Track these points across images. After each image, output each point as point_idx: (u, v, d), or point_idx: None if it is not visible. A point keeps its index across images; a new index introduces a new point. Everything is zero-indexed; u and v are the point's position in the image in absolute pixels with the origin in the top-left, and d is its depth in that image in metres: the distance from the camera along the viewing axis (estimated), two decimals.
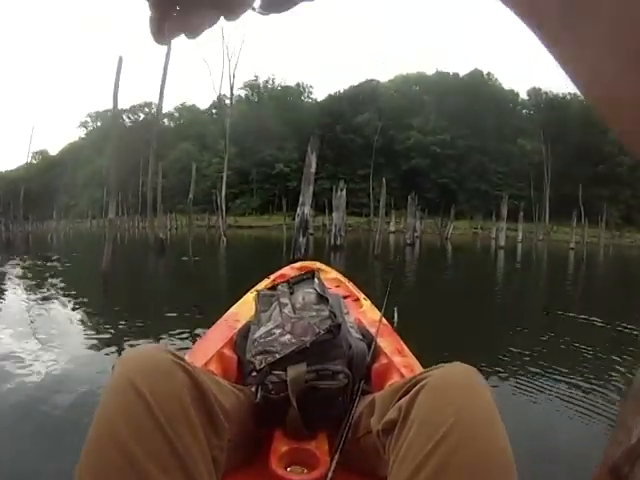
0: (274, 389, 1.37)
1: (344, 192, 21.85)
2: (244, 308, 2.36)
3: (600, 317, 6.82)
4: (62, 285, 7.86)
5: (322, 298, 1.63)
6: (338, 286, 3.05)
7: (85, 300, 6.84)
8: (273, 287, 1.86)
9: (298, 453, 1.33)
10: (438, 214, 48.73)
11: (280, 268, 3.32)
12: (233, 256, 18.18)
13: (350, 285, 3.11)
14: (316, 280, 1.80)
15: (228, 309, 2.48)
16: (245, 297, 2.67)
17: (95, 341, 4.56)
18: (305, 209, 12.68)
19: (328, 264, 3.77)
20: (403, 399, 1.03)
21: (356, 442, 1.27)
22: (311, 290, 1.72)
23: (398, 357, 1.85)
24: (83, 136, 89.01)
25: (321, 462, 1.28)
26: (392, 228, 40.00)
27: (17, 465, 2.37)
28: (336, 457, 1.20)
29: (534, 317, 7.60)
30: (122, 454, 0.84)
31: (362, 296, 2.84)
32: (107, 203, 9.90)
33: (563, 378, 4.11)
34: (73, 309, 6.16)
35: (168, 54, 20.82)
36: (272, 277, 3.00)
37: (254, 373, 1.43)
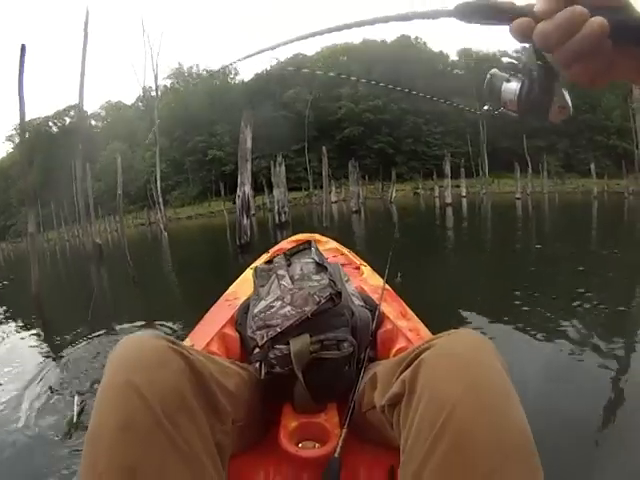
0: (278, 363, 1.36)
1: (283, 167, 21.67)
2: (243, 286, 2.32)
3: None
4: None
5: (321, 267, 1.61)
6: (337, 255, 3.04)
7: (19, 330, 6.05)
8: (270, 261, 1.81)
9: (308, 428, 1.33)
10: (377, 179, 49.27)
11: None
12: (176, 251, 17.59)
13: (349, 253, 3.11)
14: (313, 249, 1.77)
15: (226, 289, 2.42)
16: (243, 275, 2.64)
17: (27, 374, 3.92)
18: (245, 188, 12.04)
19: (324, 234, 3.73)
20: (406, 372, 0.98)
21: (363, 416, 1.25)
22: (309, 260, 1.68)
23: (403, 321, 1.85)
24: (11, 150, 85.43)
25: (332, 435, 1.27)
26: (334, 198, 40.20)
27: None
28: (344, 431, 1.22)
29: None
30: (120, 455, 0.81)
31: (362, 263, 2.83)
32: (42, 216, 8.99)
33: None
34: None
35: (84, 50, 19.90)
36: (270, 252, 2.98)
37: (257, 350, 1.41)
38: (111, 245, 20.95)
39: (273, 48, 0.69)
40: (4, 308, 7.89)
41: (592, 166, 33.33)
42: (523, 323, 4.21)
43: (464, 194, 33.57)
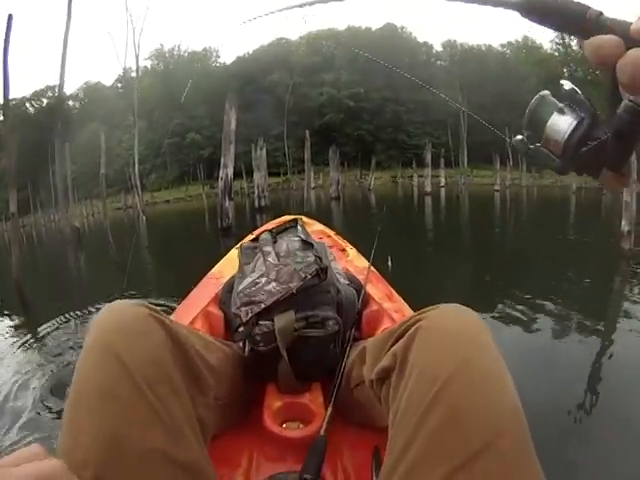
0: (262, 340, 1.35)
1: (264, 151, 21.62)
2: (228, 264, 2.33)
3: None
4: None
5: (307, 244, 1.61)
6: (323, 237, 3.03)
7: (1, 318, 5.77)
8: (256, 239, 1.82)
9: (292, 408, 1.33)
10: (356, 166, 49.17)
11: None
12: (156, 235, 17.35)
13: (335, 236, 3.16)
14: (299, 228, 1.78)
15: (211, 268, 2.42)
16: (228, 254, 2.64)
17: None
18: (228, 171, 11.93)
19: (310, 217, 3.75)
20: (397, 345, 0.98)
21: (350, 393, 1.25)
22: (295, 238, 1.67)
23: (388, 303, 1.86)
24: None
25: (316, 415, 1.28)
26: (312, 184, 39.93)
27: None
28: (329, 410, 1.22)
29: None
30: (102, 423, 0.80)
31: (348, 246, 2.88)
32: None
33: None
34: None
35: (67, 27, 19.43)
36: (255, 233, 2.88)
37: (241, 328, 1.39)
38: (88, 229, 20.59)
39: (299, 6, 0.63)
40: None
41: None
42: (503, 306, 4.39)
43: (443, 184, 33.68)
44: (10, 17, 7.23)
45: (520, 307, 4.38)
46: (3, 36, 7.22)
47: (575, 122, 0.53)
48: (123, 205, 41.00)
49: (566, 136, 0.54)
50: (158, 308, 1.02)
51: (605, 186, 0.55)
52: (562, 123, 0.54)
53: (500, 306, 4.40)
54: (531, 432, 0.80)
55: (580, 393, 2.70)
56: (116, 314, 0.95)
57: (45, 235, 27.59)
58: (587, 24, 0.44)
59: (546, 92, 0.58)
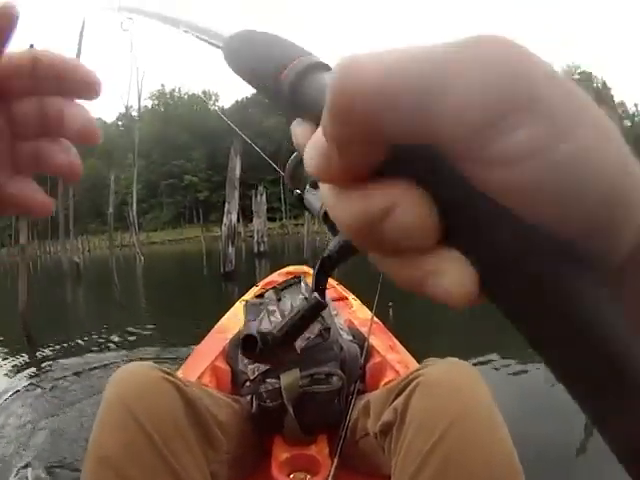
0: (269, 397, 1.37)
1: (264, 197, 21.66)
2: (233, 319, 2.36)
3: None
4: None
5: None
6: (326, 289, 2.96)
7: (5, 353, 5.45)
8: (261, 295, 1.82)
9: (299, 459, 1.34)
10: None
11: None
12: (155, 275, 17.24)
13: (338, 286, 3.11)
14: (303, 285, 1.77)
15: (216, 319, 2.47)
16: (234, 308, 2.65)
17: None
18: (232, 217, 11.94)
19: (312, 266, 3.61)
20: (397, 400, 1.03)
21: (355, 444, 1.27)
22: (299, 296, 1.69)
23: (391, 354, 1.86)
24: None
25: (323, 466, 1.29)
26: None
27: None
28: (336, 460, 1.22)
29: None
30: (119, 478, 0.86)
31: (351, 296, 2.86)
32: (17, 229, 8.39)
33: None
34: None
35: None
36: (260, 285, 2.97)
37: (248, 383, 1.43)
38: (84, 265, 20.37)
39: None
40: None
41: None
42: (499, 349, 4.38)
43: None
44: (31, 47, 7.37)
45: (516, 350, 4.42)
46: None
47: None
48: (119, 243, 40.94)
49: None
50: (168, 369, 1.09)
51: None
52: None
53: (496, 349, 4.42)
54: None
55: (578, 438, 2.71)
56: (132, 377, 1.02)
57: (41, 266, 27.32)
58: (280, 89, 0.27)
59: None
